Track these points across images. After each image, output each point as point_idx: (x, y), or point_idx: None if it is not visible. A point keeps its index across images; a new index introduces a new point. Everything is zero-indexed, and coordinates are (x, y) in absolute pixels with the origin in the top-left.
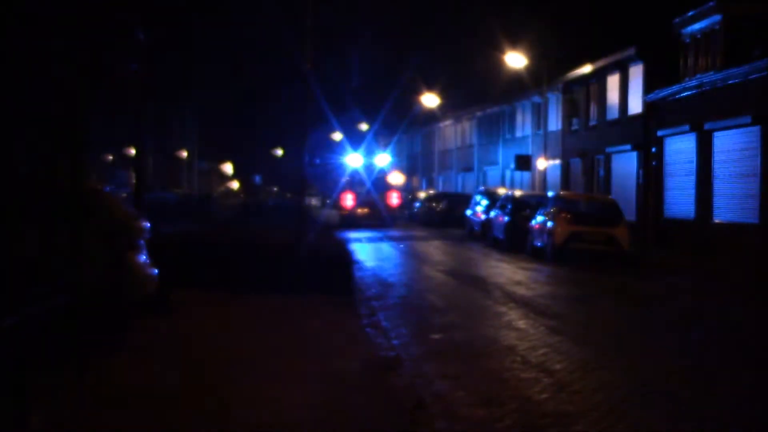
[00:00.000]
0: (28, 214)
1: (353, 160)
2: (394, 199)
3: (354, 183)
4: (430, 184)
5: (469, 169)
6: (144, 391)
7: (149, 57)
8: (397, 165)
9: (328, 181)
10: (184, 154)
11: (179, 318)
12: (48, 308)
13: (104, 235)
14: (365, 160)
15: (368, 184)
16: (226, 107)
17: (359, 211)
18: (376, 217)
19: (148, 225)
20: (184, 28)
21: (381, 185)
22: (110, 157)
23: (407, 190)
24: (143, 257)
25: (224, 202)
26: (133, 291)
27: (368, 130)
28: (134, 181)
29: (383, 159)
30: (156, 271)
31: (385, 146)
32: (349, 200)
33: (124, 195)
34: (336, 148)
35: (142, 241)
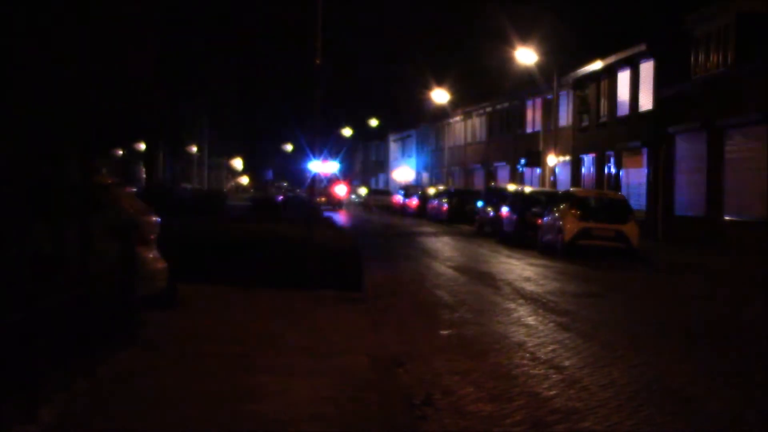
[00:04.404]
0: (39, 209)
1: (314, 165)
2: (341, 192)
3: (315, 180)
4: (440, 179)
5: (479, 165)
6: (153, 384)
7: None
8: (407, 161)
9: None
10: (194, 149)
11: (189, 312)
12: (58, 303)
13: (115, 230)
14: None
15: (325, 181)
16: (236, 102)
17: (319, 199)
18: (330, 203)
19: (159, 220)
20: (197, 24)
21: (332, 182)
22: (121, 152)
23: (417, 186)
24: (154, 252)
25: (234, 196)
26: (144, 285)
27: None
28: (144, 176)
29: (333, 165)
30: (166, 265)
31: (337, 154)
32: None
33: (134, 190)
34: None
35: (152, 236)
